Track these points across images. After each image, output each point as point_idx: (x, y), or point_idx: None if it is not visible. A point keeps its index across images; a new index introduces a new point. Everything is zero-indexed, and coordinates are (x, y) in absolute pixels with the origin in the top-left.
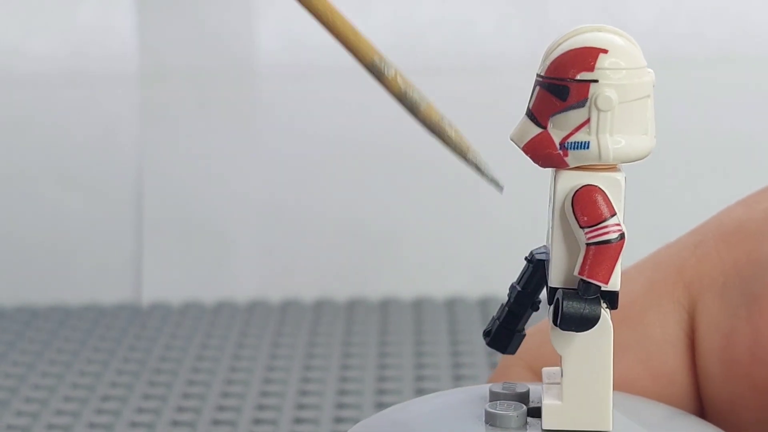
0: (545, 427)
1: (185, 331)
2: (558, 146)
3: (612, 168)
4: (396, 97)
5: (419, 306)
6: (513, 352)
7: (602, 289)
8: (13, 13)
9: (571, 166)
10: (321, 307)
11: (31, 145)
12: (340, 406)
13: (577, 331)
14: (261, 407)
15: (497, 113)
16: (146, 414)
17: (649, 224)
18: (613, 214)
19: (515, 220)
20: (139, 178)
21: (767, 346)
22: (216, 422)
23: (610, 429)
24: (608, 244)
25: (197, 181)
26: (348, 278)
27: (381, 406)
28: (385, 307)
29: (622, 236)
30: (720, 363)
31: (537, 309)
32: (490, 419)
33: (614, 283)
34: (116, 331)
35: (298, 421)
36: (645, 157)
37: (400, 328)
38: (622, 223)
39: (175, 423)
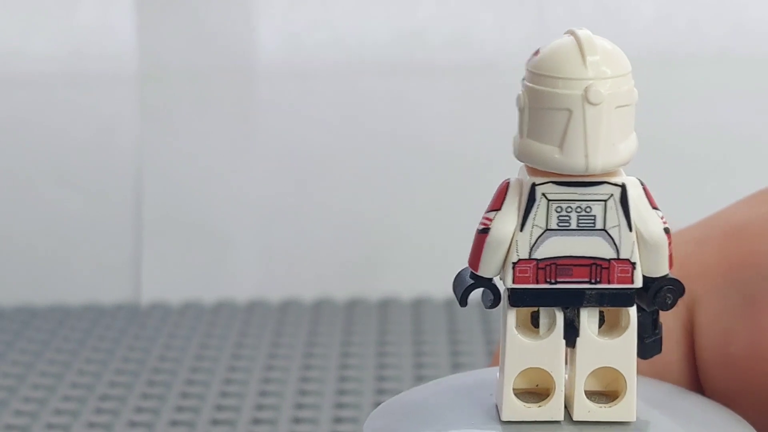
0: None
1: (184, 331)
2: None
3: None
4: None
5: (418, 306)
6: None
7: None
8: (13, 13)
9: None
10: (320, 307)
11: (30, 145)
12: (339, 405)
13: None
14: (260, 407)
15: (497, 113)
16: (145, 413)
17: None
18: (494, 209)
19: None
20: (139, 178)
21: (765, 346)
22: (215, 422)
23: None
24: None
25: (196, 181)
26: (347, 278)
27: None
28: (385, 307)
29: (484, 230)
30: (718, 358)
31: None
32: None
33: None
34: (115, 330)
35: (297, 420)
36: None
37: (400, 328)
38: (496, 219)
39: (174, 423)
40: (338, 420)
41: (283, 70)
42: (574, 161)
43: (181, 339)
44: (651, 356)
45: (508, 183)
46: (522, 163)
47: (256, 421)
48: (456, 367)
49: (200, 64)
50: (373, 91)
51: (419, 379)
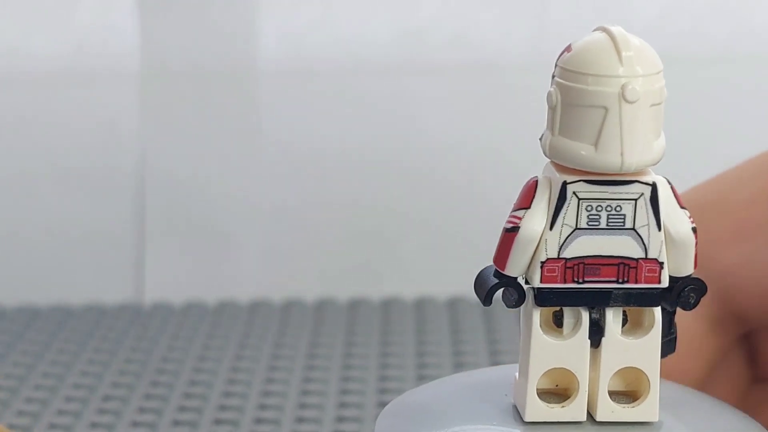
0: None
1: (187, 332)
2: None
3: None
4: None
5: (421, 306)
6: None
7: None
8: (15, 11)
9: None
10: (323, 307)
11: (32, 144)
12: (342, 405)
13: None
14: (263, 407)
15: (499, 113)
16: (148, 414)
17: None
18: (522, 207)
19: None
20: (141, 177)
21: None
22: (218, 422)
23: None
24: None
25: (199, 181)
26: (350, 278)
27: (383, 405)
28: (387, 307)
29: (513, 228)
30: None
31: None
32: None
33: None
34: (118, 331)
35: (300, 420)
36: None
37: (402, 328)
38: (526, 218)
39: (177, 423)
40: (341, 419)
41: (284, 69)
42: (609, 159)
43: (184, 339)
44: (665, 355)
45: (537, 181)
46: (548, 161)
47: (259, 421)
48: (459, 367)
49: (202, 62)
50: (374, 91)
51: (422, 379)
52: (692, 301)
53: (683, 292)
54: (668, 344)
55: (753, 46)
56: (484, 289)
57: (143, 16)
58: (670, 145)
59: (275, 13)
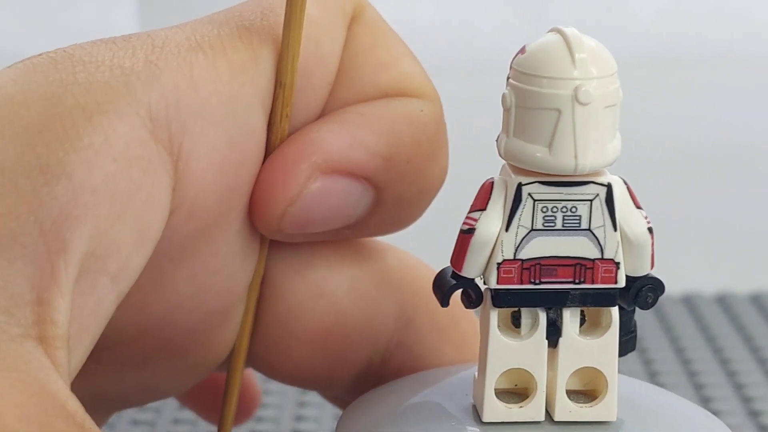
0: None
1: None
2: None
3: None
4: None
5: None
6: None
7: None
8: (14, 12)
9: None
10: None
11: None
12: None
13: None
14: (263, 406)
15: (497, 113)
16: (148, 412)
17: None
18: (478, 209)
19: None
20: None
21: None
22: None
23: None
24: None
25: None
26: None
27: None
28: None
29: (469, 230)
30: None
31: None
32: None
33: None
34: None
35: (299, 419)
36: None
37: None
38: (482, 220)
39: (177, 421)
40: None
41: None
42: (563, 161)
43: None
44: (625, 354)
45: (492, 182)
46: (505, 163)
47: (259, 419)
48: None
49: None
50: None
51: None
52: (650, 301)
53: (641, 292)
54: (628, 342)
55: (751, 47)
56: (442, 290)
57: (143, 16)
58: (670, 145)
59: None
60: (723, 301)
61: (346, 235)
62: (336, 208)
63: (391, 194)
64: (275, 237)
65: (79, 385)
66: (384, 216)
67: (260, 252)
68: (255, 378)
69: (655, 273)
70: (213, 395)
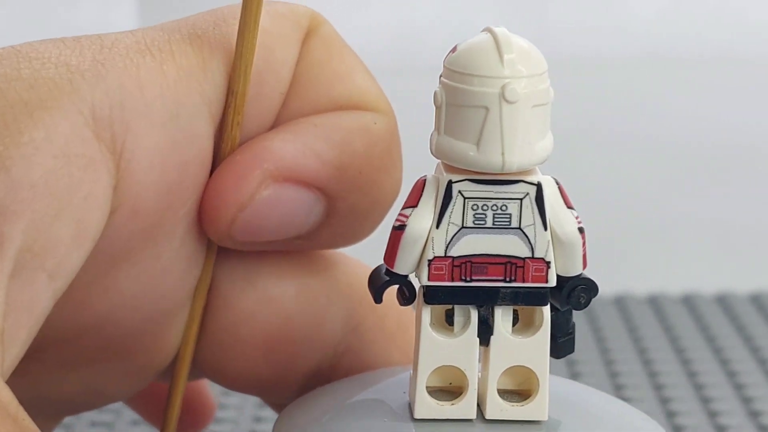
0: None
1: None
2: None
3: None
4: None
5: None
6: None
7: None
8: (14, 12)
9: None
10: None
11: None
12: None
13: None
14: (263, 405)
15: None
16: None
17: (648, 224)
18: (410, 206)
19: None
20: None
21: None
22: (217, 420)
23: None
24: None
25: None
26: None
27: None
28: None
29: (400, 227)
30: None
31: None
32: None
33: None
34: None
35: (258, 420)
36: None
37: None
38: (412, 216)
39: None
40: None
41: None
42: (490, 159)
43: None
44: (564, 356)
45: (425, 180)
46: (438, 160)
47: (258, 419)
48: None
49: None
50: None
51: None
52: (583, 301)
53: (573, 292)
54: (566, 344)
55: (750, 47)
56: (375, 287)
57: (143, 16)
58: (670, 145)
59: None
60: (723, 301)
61: (300, 246)
62: (287, 216)
63: (344, 205)
64: (225, 244)
65: (22, 387)
66: (337, 227)
67: (207, 258)
68: (211, 390)
69: (662, 273)
70: (161, 402)
